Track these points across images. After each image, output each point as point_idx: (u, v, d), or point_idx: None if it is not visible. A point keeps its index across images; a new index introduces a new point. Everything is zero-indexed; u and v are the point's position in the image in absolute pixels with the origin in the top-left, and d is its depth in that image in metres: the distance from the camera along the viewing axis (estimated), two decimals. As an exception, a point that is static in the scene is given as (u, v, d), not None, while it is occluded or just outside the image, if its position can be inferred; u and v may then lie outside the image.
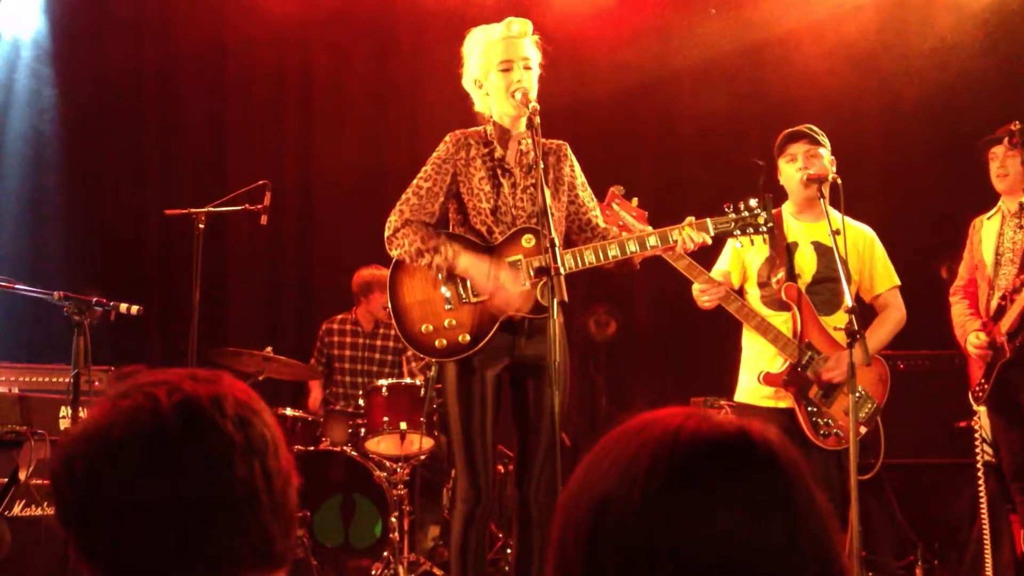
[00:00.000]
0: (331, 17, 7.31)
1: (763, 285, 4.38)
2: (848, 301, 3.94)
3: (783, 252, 4.32)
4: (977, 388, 4.77)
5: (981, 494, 4.92)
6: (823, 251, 4.31)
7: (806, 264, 4.34)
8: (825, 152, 4.35)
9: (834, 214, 4.23)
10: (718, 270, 4.45)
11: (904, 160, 7.12)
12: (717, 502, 1.01)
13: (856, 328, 3.85)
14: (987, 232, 4.84)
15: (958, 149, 7.44)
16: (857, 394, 4.15)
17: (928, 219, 6.55)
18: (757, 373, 4.30)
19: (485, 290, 3.68)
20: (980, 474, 4.91)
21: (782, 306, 4.30)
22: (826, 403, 4.22)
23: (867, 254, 4.44)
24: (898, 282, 4.48)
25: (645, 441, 1.06)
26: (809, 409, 4.21)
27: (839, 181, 4.14)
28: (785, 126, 4.46)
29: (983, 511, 4.92)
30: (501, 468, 5.60)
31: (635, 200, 3.79)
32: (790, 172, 4.35)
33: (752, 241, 3.84)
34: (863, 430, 4.22)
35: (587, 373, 7.43)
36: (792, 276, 4.31)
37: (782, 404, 4.28)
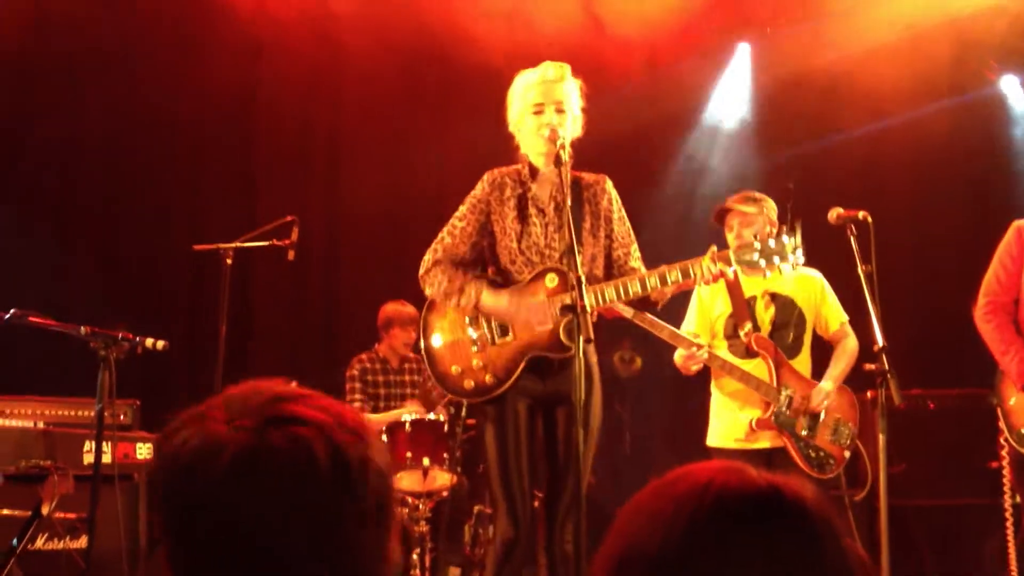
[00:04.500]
0: (360, 61, 7.40)
1: (729, 337, 4.66)
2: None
3: (744, 307, 4.59)
4: None
5: (1009, 536, 4.82)
6: (778, 300, 4.65)
7: (765, 315, 4.64)
8: (760, 216, 4.55)
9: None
10: (686, 331, 4.66)
11: (935, 197, 7.08)
12: (739, 558, 0.99)
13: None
14: None
15: (989, 185, 7.41)
16: (835, 420, 4.58)
17: (958, 259, 6.48)
18: (733, 418, 4.57)
19: (511, 317, 3.71)
20: (1008, 515, 4.80)
21: (749, 354, 4.59)
22: (812, 435, 4.53)
23: (819, 299, 4.71)
24: (846, 317, 4.73)
25: (674, 494, 1.04)
26: (799, 444, 4.52)
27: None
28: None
29: (1011, 553, 4.82)
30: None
31: None
32: (730, 240, 4.61)
33: (767, 272, 3.79)
34: (847, 454, 4.58)
35: (612, 408, 7.39)
36: (755, 328, 4.60)
37: (757, 445, 4.52)
